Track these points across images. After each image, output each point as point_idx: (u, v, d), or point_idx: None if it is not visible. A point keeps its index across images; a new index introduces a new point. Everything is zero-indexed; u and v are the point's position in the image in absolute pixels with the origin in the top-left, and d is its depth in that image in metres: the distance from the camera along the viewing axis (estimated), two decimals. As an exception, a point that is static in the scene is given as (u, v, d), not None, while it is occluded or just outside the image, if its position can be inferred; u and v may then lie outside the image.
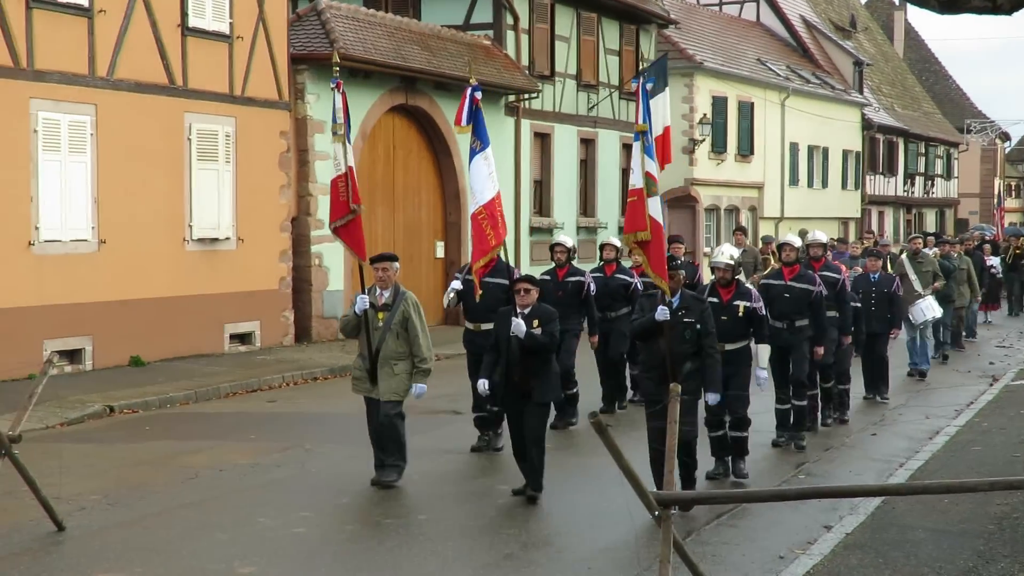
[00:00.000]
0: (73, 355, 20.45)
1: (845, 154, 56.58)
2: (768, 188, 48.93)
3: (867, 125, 58.83)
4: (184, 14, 22.52)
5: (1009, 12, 7.51)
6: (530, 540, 10.98)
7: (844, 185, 56.59)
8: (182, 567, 10.05)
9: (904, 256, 23.62)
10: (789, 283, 15.37)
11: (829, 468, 14.49)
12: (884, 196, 61.99)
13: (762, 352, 13.78)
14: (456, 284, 15.00)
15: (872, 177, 60.37)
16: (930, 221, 68.53)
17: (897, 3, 76.21)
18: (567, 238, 17.48)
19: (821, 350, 15.54)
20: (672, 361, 11.78)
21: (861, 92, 58.58)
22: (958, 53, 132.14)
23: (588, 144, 36.32)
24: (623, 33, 37.82)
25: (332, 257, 26.07)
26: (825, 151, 54.37)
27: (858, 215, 57.96)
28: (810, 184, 52.96)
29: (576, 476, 13.44)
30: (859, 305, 18.07)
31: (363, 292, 12.95)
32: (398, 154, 28.89)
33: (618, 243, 18.13)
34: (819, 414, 16.68)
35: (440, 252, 30.23)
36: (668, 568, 8.25)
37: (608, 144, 37.17)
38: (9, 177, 19.33)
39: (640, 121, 12.53)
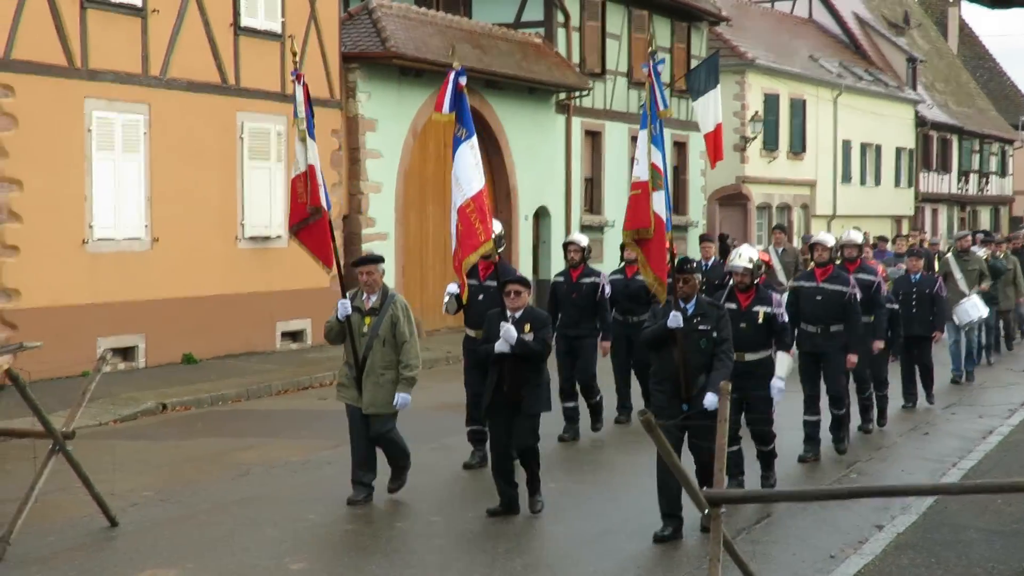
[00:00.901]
0: (126, 353, 20.60)
1: (898, 151, 56.25)
2: (820, 186, 48.68)
3: (920, 122, 58.43)
4: (236, 13, 22.64)
5: (1062, 6, 7.45)
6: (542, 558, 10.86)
7: (897, 183, 56.27)
8: (233, 563, 10.11)
9: (950, 255, 22.63)
10: (821, 285, 14.50)
11: (881, 467, 14.41)
12: (938, 193, 61.58)
13: (780, 361, 12.53)
14: (452, 288, 13.66)
15: (926, 174, 59.97)
16: (984, 219, 67.99)
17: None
18: (581, 236, 16.38)
19: (854, 358, 14.58)
20: (686, 373, 10.77)
21: (915, 89, 58.18)
22: (1013, 49, 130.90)
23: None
24: (674, 30, 37.72)
25: (383, 254, 26.09)
26: (878, 148, 54.06)
27: (911, 213, 57.59)
28: (863, 182, 52.67)
29: (574, 496, 12.53)
30: (897, 307, 17.12)
31: (344, 296, 12.14)
32: (448, 152, 28.79)
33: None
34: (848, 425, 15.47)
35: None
36: (718, 567, 8.22)
37: (659, 142, 37.01)
38: (64, 176, 19.48)
39: (661, 107, 11.46)
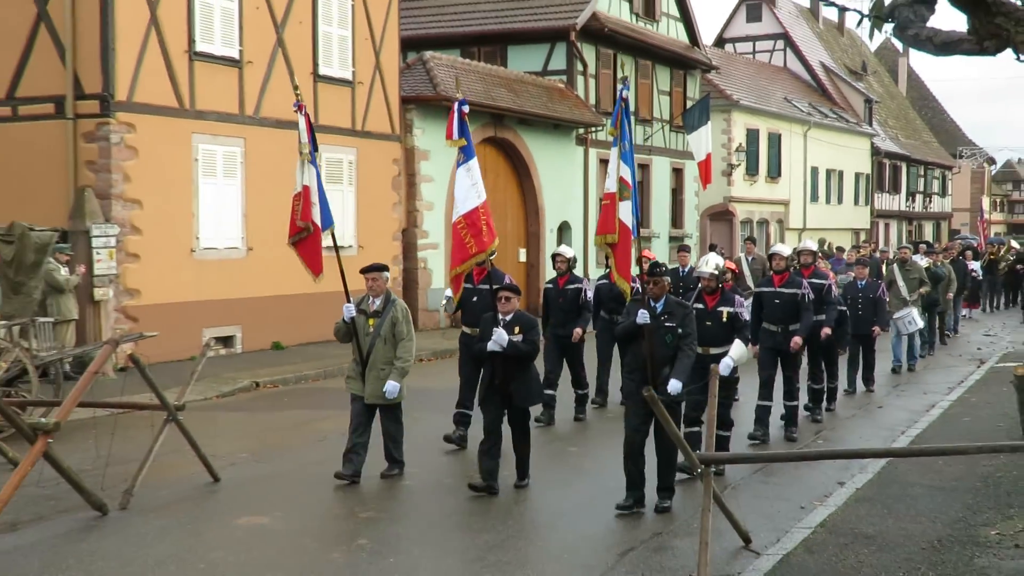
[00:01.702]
0: (226, 340, 20.68)
1: (857, 176, 56.05)
2: (793, 204, 48.56)
3: (875, 152, 58.31)
4: (316, 63, 22.70)
5: (994, 53, 7.42)
6: (518, 531, 10.34)
7: (856, 201, 56.10)
8: (313, 512, 10.14)
9: (894, 264, 21.60)
10: (779, 289, 13.87)
11: (843, 434, 14.34)
12: (890, 210, 61.49)
13: (735, 345, 11.67)
14: (449, 292, 12.93)
15: (879, 195, 59.86)
16: (928, 231, 67.63)
17: (901, 50, 75.28)
18: (567, 248, 15.50)
19: (799, 340, 13.67)
20: (652, 364, 10.08)
21: (871, 124, 58.00)
22: (952, 91, 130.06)
23: (644, 168, 36.15)
24: (673, 77, 37.66)
25: (434, 261, 26.18)
26: (840, 173, 53.85)
27: (868, 226, 57.48)
28: (828, 201, 52.50)
29: (559, 469, 12.02)
30: (845, 309, 16.51)
31: (348, 301, 11.62)
32: (488, 177, 28.83)
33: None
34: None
35: (523, 257, 30.26)
36: (709, 516, 8.20)
37: (660, 169, 37.02)
38: (175, 197, 19.58)
39: (610, 125, 10.87)
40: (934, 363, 21.79)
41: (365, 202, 24.05)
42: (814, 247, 15.70)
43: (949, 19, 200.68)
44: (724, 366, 11.35)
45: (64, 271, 17.11)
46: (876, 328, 18.05)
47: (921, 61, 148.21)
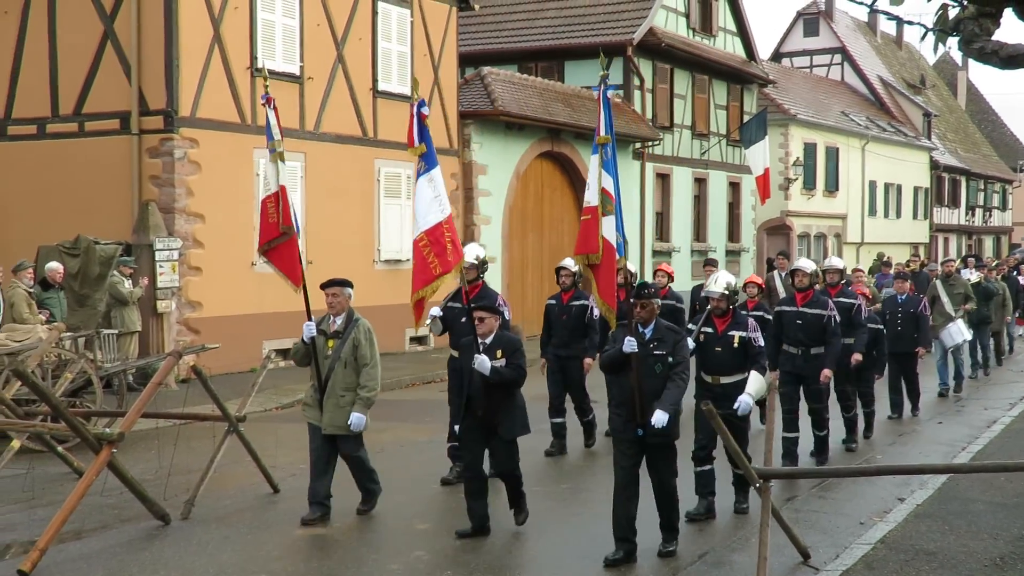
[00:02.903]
0: (286, 353, 20.78)
1: (915, 190, 55.47)
2: (851, 218, 48.17)
3: (934, 166, 57.63)
4: (375, 80, 22.85)
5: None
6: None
7: (915, 216, 55.53)
8: (371, 522, 10.15)
9: (938, 279, 19.99)
10: (801, 309, 12.62)
11: (902, 450, 14.16)
12: (949, 225, 60.74)
13: (752, 379, 10.29)
14: (435, 311, 11.69)
15: (938, 209, 59.15)
16: (988, 246, 66.75)
17: (960, 63, 74.50)
18: (571, 262, 13.47)
19: (828, 373, 12.51)
20: (640, 398, 8.91)
21: (929, 138, 57.38)
22: (1013, 106, 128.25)
23: (701, 182, 36.04)
24: (730, 91, 37.50)
25: (492, 275, 26.17)
26: (899, 187, 53.33)
27: (927, 241, 56.88)
28: (886, 215, 52.02)
29: (558, 510, 10.91)
30: (882, 328, 15.21)
31: (309, 319, 10.34)
32: (545, 191, 28.95)
33: (632, 267, 14.49)
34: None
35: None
36: (767, 531, 8.14)
37: (717, 182, 36.85)
38: (237, 211, 19.75)
39: (602, 132, 9.56)
40: (996, 377, 21.46)
41: (423, 216, 24.12)
42: (840, 265, 14.21)
43: (1015, 32, 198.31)
44: (743, 408, 10.23)
45: (128, 284, 17.31)
46: (921, 350, 16.76)
47: (980, 74, 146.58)
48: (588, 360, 13.34)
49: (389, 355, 22.35)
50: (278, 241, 10.81)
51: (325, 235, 21.26)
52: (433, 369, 20.81)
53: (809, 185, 44.38)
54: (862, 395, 14.51)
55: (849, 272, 22.28)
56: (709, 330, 10.55)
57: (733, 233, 37.97)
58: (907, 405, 16.70)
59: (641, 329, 9.09)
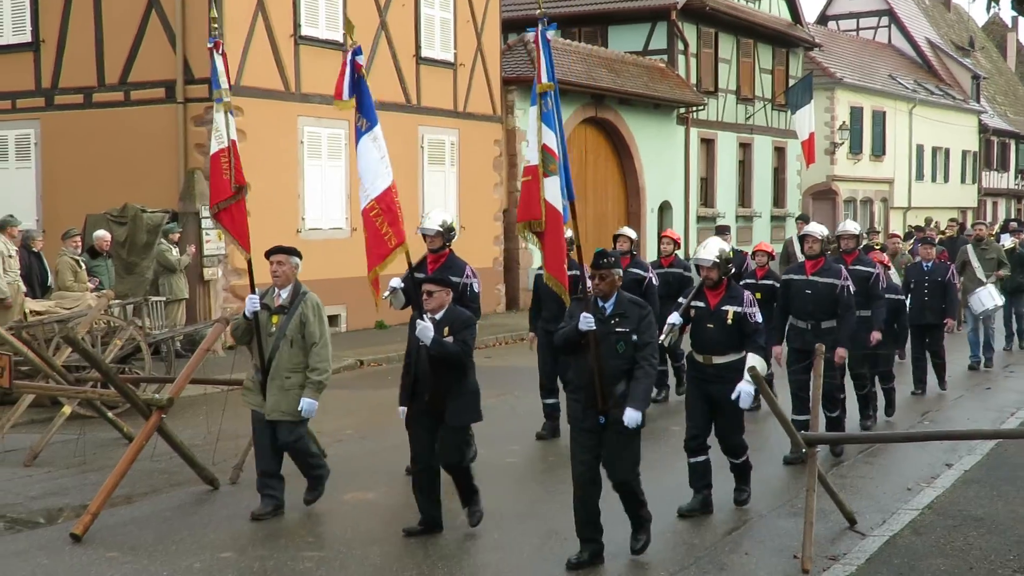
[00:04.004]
0: (331, 320, 20.81)
1: (964, 154, 54.88)
2: (897, 183, 47.74)
3: (983, 129, 57.01)
4: (418, 46, 22.81)
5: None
6: None
7: (963, 180, 54.96)
8: (410, 487, 10.19)
9: (969, 244, 18.86)
10: (811, 278, 11.22)
11: (951, 415, 14.05)
12: (997, 189, 60.16)
13: (750, 363, 8.95)
14: (395, 282, 10.68)
15: (987, 173, 58.57)
16: (1038, 210, 66.04)
17: (1010, 25, 73.43)
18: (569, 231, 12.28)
19: (843, 353, 11.11)
20: (601, 381, 7.80)
21: (978, 101, 56.69)
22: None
23: (745, 148, 35.81)
24: (775, 55, 37.17)
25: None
26: (947, 151, 52.75)
27: (975, 205, 56.36)
28: (933, 179, 51.50)
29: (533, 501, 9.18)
30: (903, 298, 14.01)
31: (253, 291, 9.33)
32: (589, 158, 28.86)
33: (632, 234, 13.75)
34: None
35: (623, 237, 30.11)
36: (814, 496, 8.13)
37: (762, 147, 36.60)
38: (282, 179, 19.84)
39: (543, 79, 8.28)
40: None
41: (467, 183, 24.14)
42: (855, 229, 12.79)
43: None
44: (744, 394, 9.03)
45: (175, 252, 17.44)
46: (949, 321, 15.48)
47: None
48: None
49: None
50: (230, 201, 9.77)
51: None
52: (478, 335, 20.83)
53: (855, 149, 44.00)
54: (881, 374, 13.38)
55: (882, 239, 21.56)
56: (700, 304, 9.39)
57: (778, 198, 37.74)
58: (932, 380, 15.51)
59: (601, 303, 8.03)
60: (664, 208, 31.43)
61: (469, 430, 8.96)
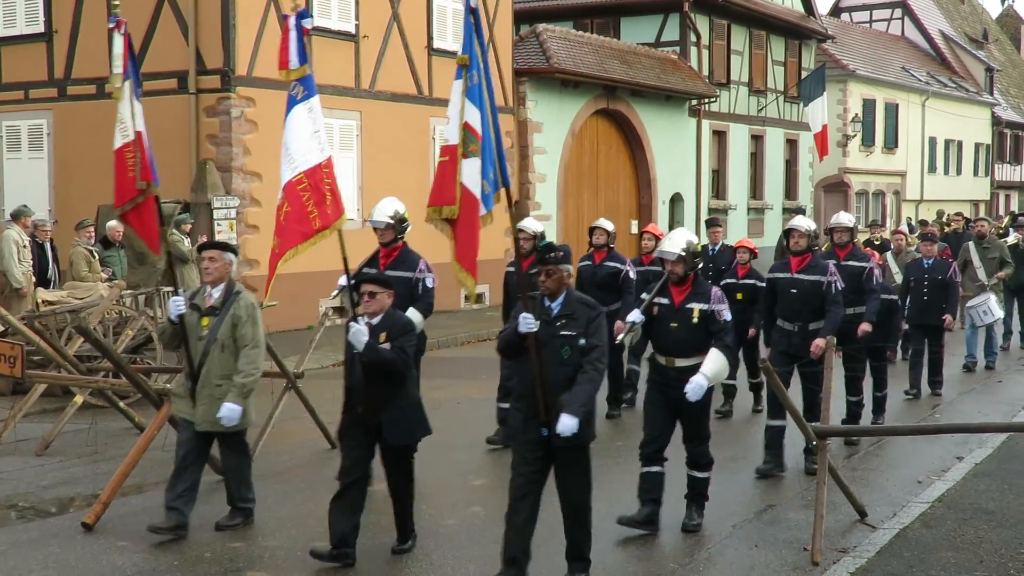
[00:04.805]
0: (342, 311, 20.86)
1: (976, 146, 54.74)
2: (910, 175, 47.64)
3: (996, 122, 56.85)
4: (430, 37, 22.80)
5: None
6: None
7: (976, 173, 54.83)
8: (428, 479, 10.16)
9: (971, 241, 17.73)
10: (796, 275, 10.33)
11: (962, 408, 14.02)
12: (1010, 181, 60.06)
13: (711, 358, 8.25)
14: (344, 281, 9.28)
15: (1000, 166, 58.45)
16: (1051, 203, 65.89)
17: (1024, 18, 73.21)
18: (533, 222, 11.95)
19: (821, 343, 9.90)
20: (544, 390, 7.00)
21: (991, 94, 56.51)
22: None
23: (757, 140, 35.74)
24: (787, 47, 37.07)
25: (548, 234, 26.14)
26: (959, 144, 52.62)
27: (987, 198, 56.30)
28: (946, 172, 51.40)
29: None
30: (895, 298, 13.04)
31: (177, 293, 8.64)
32: (600, 149, 28.83)
33: (609, 226, 12.89)
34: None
35: (635, 229, 30.08)
36: (824, 489, 8.12)
37: (774, 140, 36.52)
38: (293, 169, 19.80)
39: (461, 52, 7.44)
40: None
41: (478, 174, 24.12)
42: (849, 222, 11.89)
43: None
44: (694, 390, 8.17)
45: (187, 242, 17.46)
46: (948, 318, 14.60)
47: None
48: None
49: (444, 313, 22.41)
50: (138, 200, 8.84)
51: (380, 193, 21.14)
52: (488, 326, 20.87)
53: (868, 142, 43.90)
54: (875, 377, 12.50)
55: (886, 234, 20.99)
56: (664, 301, 8.56)
57: (790, 191, 37.66)
58: (927, 384, 14.78)
59: (547, 303, 7.26)
60: (675, 200, 31.40)
61: (414, 449, 7.97)
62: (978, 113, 54.55)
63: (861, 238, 19.01)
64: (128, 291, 14.11)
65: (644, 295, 8.94)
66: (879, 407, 12.61)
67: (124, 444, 10.79)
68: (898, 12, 55.17)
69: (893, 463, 10.95)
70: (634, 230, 30.05)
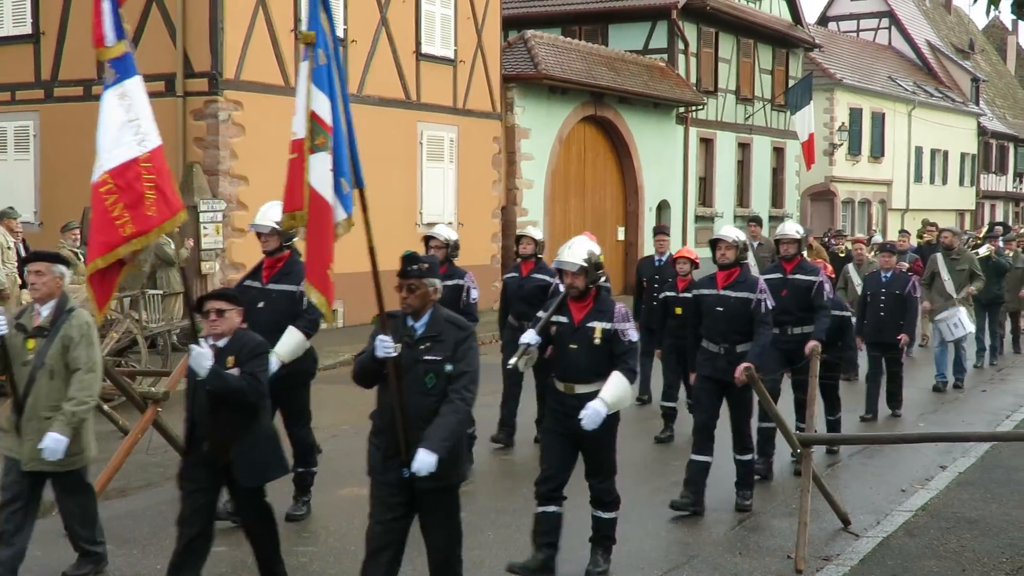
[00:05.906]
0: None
1: (962, 156, 54.95)
2: (896, 185, 47.81)
3: (982, 132, 57.07)
4: (418, 42, 22.80)
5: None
6: None
7: (961, 182, 55.04)
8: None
9: (939, 253, 16.74)
10: (722, 292, 9.23)
11: (945, 418, 14.05)
12: (995, 191, 60.26)
13: (612, 382, 7.23)
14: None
15: (985, 176, 58.66)
16: (1036, 213, 66.15)
17: (1010, 28, 73.48)
18: (445, 229, 11.21)
19: (743, 367, 8.74)
20: (404, 422, 6.13)
21: (977, 104, 56.73)
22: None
23: (744, 148, 35.81)
24: (775, 55, 37.18)
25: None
26: (945, 153, 52.81)
27: (973, 207, 56.50)
28: (932, 181, 51.58)
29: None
30: (848, 315, 12.05)
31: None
32: (588, 155, 28.86)
33: (538, 235, 11.80)
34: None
35: (621, 235, 30.14)
36: (808, 496, 8.14)
37: (761, 148, 36.60)
38: (280, 174, 19.56)
39: (306, 28, 6.25)
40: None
41: (465, 180, 24.12)
42: (797, 233, 10.84)
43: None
44: (591, 416, 7.14)
45: (173, 245, 17.42)
46: (903, 337, 13.60)
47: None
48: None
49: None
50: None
51: (368, 197, 21.25)
52: (486, 330, 20.85)
53: (854, 151, 44.04)
54: (825, 398, 11.40)
55: (849, 245, 20.47)
56: (563, 319, 7.50)
57: (776, 199, 37.74)
58: (884, 406, 13.82)
59: (410, 323, 6.35)
60: (662, 207, 31.44)
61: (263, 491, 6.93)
62: (964, 123, 54.77)
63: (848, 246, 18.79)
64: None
65: (540, 312, 7.69)
66: (835, 429, 11.59)
67: (108, 448, 10.71)
68: (885, 22, 55.38)
69: (877, 472, 10.97)
70: (620, 237, 30.10)
